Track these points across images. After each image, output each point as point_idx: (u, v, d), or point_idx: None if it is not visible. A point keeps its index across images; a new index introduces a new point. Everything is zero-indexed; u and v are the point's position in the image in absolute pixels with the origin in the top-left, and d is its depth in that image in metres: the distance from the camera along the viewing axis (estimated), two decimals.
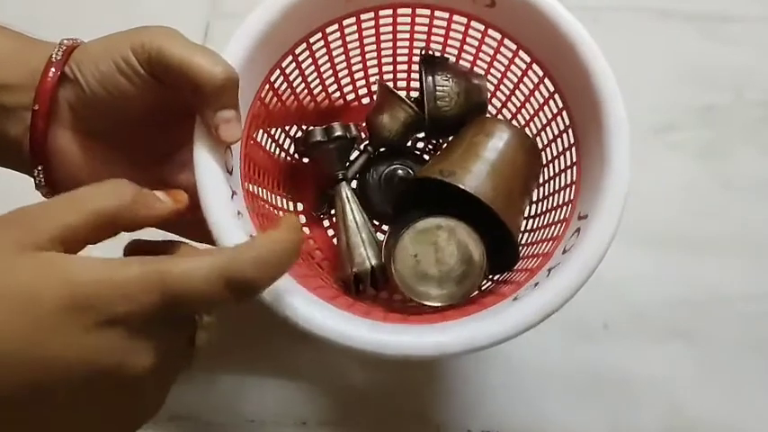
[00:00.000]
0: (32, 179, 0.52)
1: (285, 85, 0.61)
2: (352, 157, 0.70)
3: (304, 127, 0.68)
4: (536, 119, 0.64)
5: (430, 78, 0.64)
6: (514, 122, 0.68)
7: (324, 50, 0.62)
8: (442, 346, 0.47)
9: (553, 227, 0.59)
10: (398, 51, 0.67)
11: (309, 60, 0.62)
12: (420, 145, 0.75)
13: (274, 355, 0.77)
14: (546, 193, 0.64)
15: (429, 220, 0.59)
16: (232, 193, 0.50)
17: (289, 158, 0.69)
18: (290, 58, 0.60)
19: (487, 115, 0.68)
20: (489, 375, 0.77)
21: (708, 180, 0.86)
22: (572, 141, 0.58)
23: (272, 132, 0.65)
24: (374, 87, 0.71)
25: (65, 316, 0.34)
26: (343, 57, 0.65)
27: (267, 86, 0.58)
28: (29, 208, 0.38)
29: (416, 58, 0.68)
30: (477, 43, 0.64)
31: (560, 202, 0.59)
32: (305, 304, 0.47)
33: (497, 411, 0.76)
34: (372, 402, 0.76)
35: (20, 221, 0.37)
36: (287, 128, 0.67)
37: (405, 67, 0.70)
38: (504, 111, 0.69)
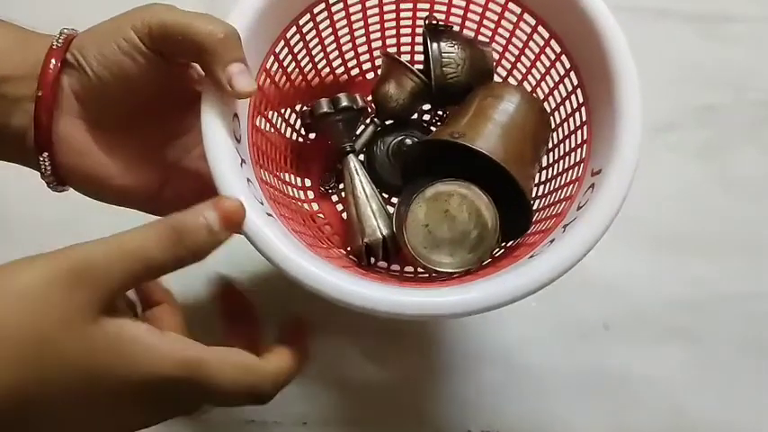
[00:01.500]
0: (38, 172, 0.51)
1: (290, 57, 0.61)
2: (358, 132, 0.69)
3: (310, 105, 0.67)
4: (543, 83, 0.64)
5: (435, 45, 0.64)
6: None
7: (327, 22, 0.62)
8: (466, 303, 0.46)
9: (566, 188, 0.58)
10: (402, 23, 0.67)
11: (313, 32, 0.62)
12: (427, 117, 0.74)
13: None
14: (557, 156, 0.63)
15: (439, 185, 0.58)
16: (241, 161, 0.50)
17: (296, 135, 0.68)
18: (294, 29, 0.59)
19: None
20: (489, 375, 0.77)
21: (708, 180, 0.86)
22: (581, 101, 0.58)
23: (280, 110, 0.64)
24: (378, 62, 0.70)
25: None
26: (346, 29, 0.65)
27: (272, 58, 0.58)
28: (85, 260, 0.39)
29: (419, 30, 0.67)
30: (480, 10, 0.64)
31: (572, 163, 0.59)
32: (316, 268, 0.46)
33: (497, 411, 0.76)
34: (373, 402, 0.76)
35: (83, 280, 0.38)
36: (295, 106, 0.67)
37: (408, 39, 0.69)
38: (511, 78, 0.68)
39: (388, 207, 0.67)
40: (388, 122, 0.70)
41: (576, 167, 0.57)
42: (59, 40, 0.49)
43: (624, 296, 0.80)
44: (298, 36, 0.60)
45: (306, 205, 0.67)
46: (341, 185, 0.69)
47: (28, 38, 0.50)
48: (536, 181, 0.64)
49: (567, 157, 0.60)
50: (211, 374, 0.41)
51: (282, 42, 0.58)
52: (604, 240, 0.76)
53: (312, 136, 0.70)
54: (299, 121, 0.68)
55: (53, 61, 0.48)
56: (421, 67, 0.67)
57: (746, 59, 0.91)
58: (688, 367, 0.77)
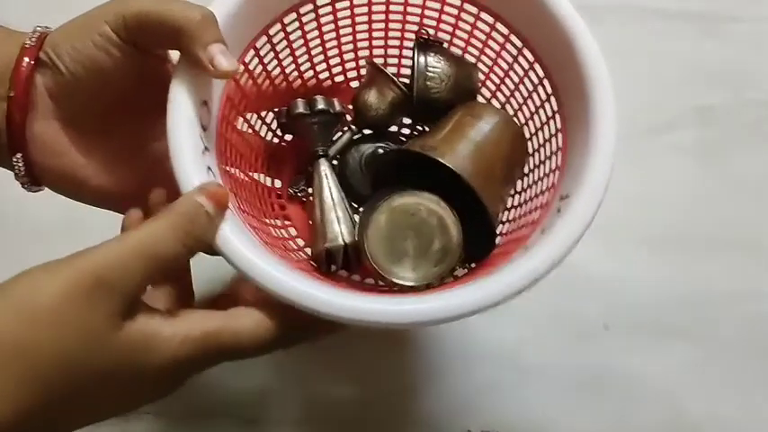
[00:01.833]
0: (12, 173, 0.51)
1: (272, 54, 0.60)
2: (335, 138, 0.68)
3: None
4: (525, 106, 0.63)
5: (422, 59, 0.63)
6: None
7: (314, 24, 0.62)
8: (419, 312, 0.44)
9: (534, 212, 0.57)
10: (390, 34, 0.66)
11: (299, 32, 0.61)
12: (406, 132, 0.73)
13: (274, 356, 0.76)
14: (531, 182, 0.62)
15: (406, 196, 0.58)
16: (204, 148, 0.49)
17: (271, 135, 0.68)
18: (279, 26, 0.59)
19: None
20: (489, 375, 0.77)
21: (708, 180, 0.86)
22: (559, 126, 0.57)
23: (257, 108, 0.64)
24: (364, 71, 0.70)
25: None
26: (333, 33, 0.64)
27: (252, 53, 0.57)
28: (102, 268, 0.40)
29: (407, 42, 0.67)
30: (469, 27, 0.63)
31: (544, 188, 0.58)
32: (261, 261, 0.45)
33: (497, 411, 0.76)
34: (373, 403, 0.76)
35: (102, 290, 0.39)
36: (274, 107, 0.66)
37: (396, 51, 0.69)
38: (494, 100, 0.67)
39: (356, 216, 0.66)
40: (365, 131, 0.69)
41: (547, 192, 0.56)
42: (32, 39, 0.48)
43: (624, 296, 0.80)
44: (281, 34, 0.60)
45: (273, 205, 0.66)
46: (310, 189, 0.68)
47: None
48: (508, 205, 0.63)
49: (541, 182, 0.59)
50: (231, 338, 0.44)
51: (265, 38, 0.58)
52: (604, 240, 0.77)
53: (288, 138, 0.70)
54: (275, 122, 0.67)
55: (26, 60, 0.47)
56: (406, 81, 0.66)
57: (746, 59, 0.92)
58: (688, 367, 0.78)
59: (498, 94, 0.66)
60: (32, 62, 0.47)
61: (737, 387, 0.77)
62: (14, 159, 0.49)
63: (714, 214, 0.84)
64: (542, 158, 0.60)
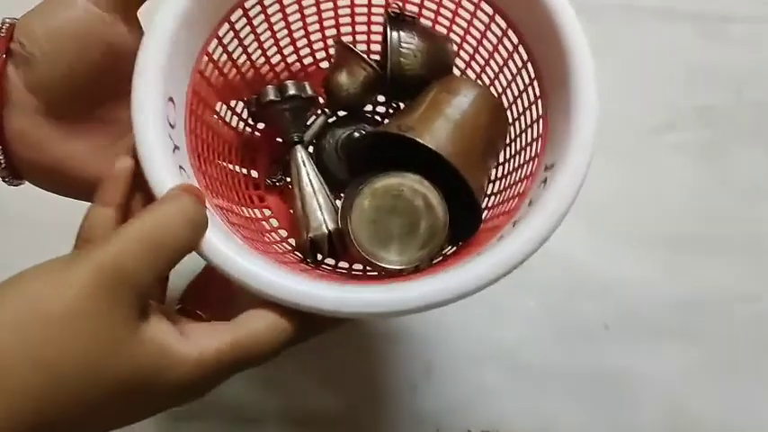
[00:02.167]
0: None
1: (236, 42, 0.58)
2: (309, 123, 0.66)
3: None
4: (501, 76, 0.61)
5: (395, 34, 0.61)
6: (479, 82, 0.65)
7: (277, 6, 0.60)
8: (403, 301, 0.44)
9: (520, 184, 0.55)
10: (356, 10, 0.64)
11: (261, 17, 0.59)
12: (381, 110, 0.71)
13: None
14: (513, 152, 0.60)
15: (388, 177, 0.56)
16: (174, 147, 0.47)
17: (243, 125, 0.66)
18: (240, 12, 0.57)
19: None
20: (489, 375, 0.78)
21: (708, 180, 0.86)
22: (537, 94, 0.55)
23: (226, 99, 0.62)
24: (332, 51, 0.67)
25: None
26: (298, 15, 0.62)
27: (216, 42, 0.55)
28: (116, 266, 0.37)
29: (376, 18, 0.65)
30: None
31: (527, 158, 0.56)
32: (238, 255, 0.44)
33: (497, 411, 0.77)
34: (373, 402, 0.77)
35: (118, 289, 0.37)
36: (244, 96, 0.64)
37: (364, 28, 0.66)
38: (469, 71, 0.66)
39: (338, 203, 0.64)
40: (340, 114, 0.67)
41: (531, 163, 0.55)
42: (2, 31, 0.46)
43: (624, 296, 0.80)
44: (244, 20, 0.57)
45: (252, 197, 0.65)
46: (288, 179, 0.66)
47: None
48: (492, 177, 0.61)
49: (523, 152, 0.58)
50: (246, 350, 0.42)
51: (227, 25, 0.56)
52: (604, 240, 0.78)
53: (261, 126, 0.68)
54: (246, 112, 0.65)
55: None
56: (377, 58, 0.65)
57: (746, 59, 0.92)
58: (688, 367, 0.78)
59: (473, 63, 0.65)
60: (3, 55, 0.45)
61: (737, 387, 0.78)
62: None
63: (714, 214, 0.84)
64: (523, 127, 0.59)
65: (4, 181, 0.50)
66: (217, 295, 0.49)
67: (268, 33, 0.61)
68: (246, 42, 0.60)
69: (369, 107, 0.70)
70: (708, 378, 0.77)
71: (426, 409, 0.76)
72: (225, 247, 0.44)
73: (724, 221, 0.83)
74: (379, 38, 0.65)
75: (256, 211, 0.63)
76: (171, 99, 0.49)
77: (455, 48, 0.64)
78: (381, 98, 0.70)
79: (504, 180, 0.60)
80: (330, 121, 0.67)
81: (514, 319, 0.78)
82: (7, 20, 0.47)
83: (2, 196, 0.55)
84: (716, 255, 0.82)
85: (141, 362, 0.37)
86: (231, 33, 0.57)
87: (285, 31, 0.63)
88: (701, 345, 0.78)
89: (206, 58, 0.54)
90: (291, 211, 0.64)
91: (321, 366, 0.77)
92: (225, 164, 0.61)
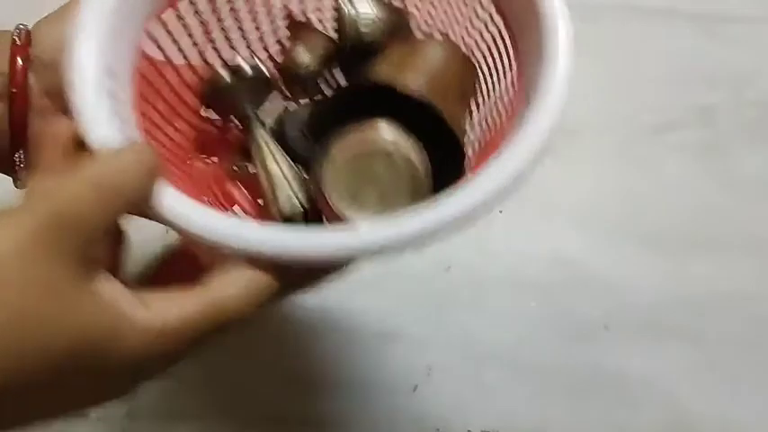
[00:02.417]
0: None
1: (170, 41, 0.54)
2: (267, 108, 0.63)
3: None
4: (467, 29, 0.59)
5: (352, 5, 0.59)
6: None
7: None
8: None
9: (495, 135, 0.53)
10: None
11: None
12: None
13: (274, 356, 0.77)
14: (486, 96, 0.58)
15: (360, 130, 0.52)
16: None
17: (198, 120, 0.62)
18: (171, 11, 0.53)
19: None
20: (489, 375, 0.77)
21: (708, 180, 0.87)
22: (508, 45, 0.53)
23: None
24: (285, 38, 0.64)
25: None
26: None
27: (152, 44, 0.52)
28: (61, 213, 0.33)
29: None
30: None
31: (500, 110, 0.54)
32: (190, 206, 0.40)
33: (497, 411, 0.76)
34: (372, 402, 0.76)
35: (62, 238, 0.33)
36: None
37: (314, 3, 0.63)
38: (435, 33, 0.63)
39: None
40: (301, 101, 0.64)
41: (504, 114, 0.53)
42: (20, 37, 0.48)
43: (624, 296, 0.80)
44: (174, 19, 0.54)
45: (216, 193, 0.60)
46: (250, 168, 0.61)
47: None
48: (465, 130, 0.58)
49: (498, 104, 0.55)
50: (216, 316, 0.38)
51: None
52: (604, 240, 0.78)
53: (217, 118, 0.63)
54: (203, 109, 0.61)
55: (18, 59, 0.47)
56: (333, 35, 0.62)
57: (746, 59, 0.93)
58: (688, 367, 0.77)
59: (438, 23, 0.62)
60: (24, 62, 0.47)
61: (737, 387, 0.77)
62: (16, 156, 0.49)
63: (714, 214, 0.84)
64: (495, 80, 0.56)
65: (15, 184, 0.50)
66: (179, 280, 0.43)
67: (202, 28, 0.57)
68: (182, 44, 0.56)
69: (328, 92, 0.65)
70: (708, 378, 0.77)
71: (426, 409, 0.76)
72: (182, 201, 0.40)
73: (724, 221, 0.83)
74: (329, 14, 0.62)
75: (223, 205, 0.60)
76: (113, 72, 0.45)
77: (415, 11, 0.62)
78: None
79: (478, 128, 0.59)
80: (290, 102, 0.64)
81: (514, 319, 0.78)
82: (21, 26, 0.49)
83: (8, 198, 0.55)
84: (716, 254, 0.82)
85: (93, 319, 0.34)
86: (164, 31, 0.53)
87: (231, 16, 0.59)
88: (701, 345, 0.78)
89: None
90: (260, 201, 0.60)
91: (321, 367, 0.77)
92: (185, 161, 0.58)
